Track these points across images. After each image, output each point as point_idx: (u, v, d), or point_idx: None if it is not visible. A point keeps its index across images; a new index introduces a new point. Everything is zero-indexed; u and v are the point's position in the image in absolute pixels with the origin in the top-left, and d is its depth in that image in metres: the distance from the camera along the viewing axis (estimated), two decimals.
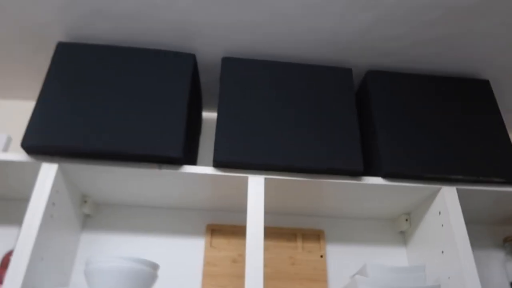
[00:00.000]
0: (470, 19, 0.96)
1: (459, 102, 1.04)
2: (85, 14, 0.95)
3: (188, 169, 0.89)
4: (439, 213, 0.96)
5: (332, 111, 0.97)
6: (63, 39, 1.01)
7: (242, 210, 1.08)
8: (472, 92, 1.07)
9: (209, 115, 1.27)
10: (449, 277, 0.90)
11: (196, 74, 1.05)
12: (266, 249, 1.07)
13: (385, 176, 0.94)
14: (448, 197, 0.94)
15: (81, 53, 0.95)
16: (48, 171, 0.84)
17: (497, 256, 1.15)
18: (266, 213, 1.12)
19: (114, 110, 0.88)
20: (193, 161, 1.07)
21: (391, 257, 1.12)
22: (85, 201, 1.00)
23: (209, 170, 0.89)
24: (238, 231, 1.08)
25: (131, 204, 1.08)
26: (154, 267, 0.84)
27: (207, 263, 1.02)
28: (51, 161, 0.85)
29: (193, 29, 0.99)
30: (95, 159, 0.87)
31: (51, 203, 0.83)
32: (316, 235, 1.11)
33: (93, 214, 1.05)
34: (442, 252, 0.93)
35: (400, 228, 1.12)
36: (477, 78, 1.12)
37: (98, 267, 0.78)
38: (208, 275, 1.01)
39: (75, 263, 0.99)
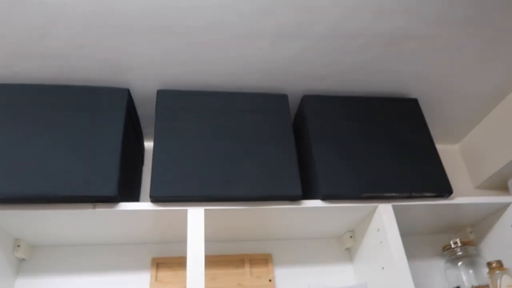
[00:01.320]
0: (393, 43, 1.01)
1: (391, 121, 1.09)
2: (8, 54, 0.92)
3: (125, 206, 0.87)
4: (378, 230, 0.99)
5: (269, 137, 0.99)
6: None
7: (186, 241, 1.06)
8: (402, 111, 1.12)
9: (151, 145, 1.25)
10: None
11: (132, 108, 1.04)
12: (214, 278, 1.06)
13: (323, 198, 0.96)
14: (384, 214, 0.98)
15: (6, 93, 0.92)
16: None
17: (437, 265, 1.20)
18: (211, 241, 1.11)
19: (43, 151, 0.85)
20: (134, 195, 1.05)
21: (338, 275, 1.14)
22: (18, 245, 0.96)
23: (147, 206, 0.88)
24: (185, 262, 1.07)
25: (69, 243, 1.04)
26: None
27: None
28: None
29: (124, 64, 0.98)
30: (23, 204, 0.84)
31: None
32: (263, 260, 1.11)
33: (28, 257, 1.00)
34: (383, 268, 0.96)
35: (345, 245, 1.15)
36: (406, 97, 1.18)
37: None
38: None
39: None
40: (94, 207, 0.85)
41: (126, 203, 0.87)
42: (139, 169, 1.15)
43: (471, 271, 1.07)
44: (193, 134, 0.95)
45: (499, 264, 1.02)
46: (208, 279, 1.05)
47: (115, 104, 0.95)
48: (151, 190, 0.86)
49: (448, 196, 1.02)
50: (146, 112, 1.12)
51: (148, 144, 1.25)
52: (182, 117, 0.97)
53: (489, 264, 1.04)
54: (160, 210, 0.88)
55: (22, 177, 0.82)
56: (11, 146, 0.85)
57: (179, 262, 1.06)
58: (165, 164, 0.89)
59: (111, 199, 0.85)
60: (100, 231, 0.97)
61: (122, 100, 0.96)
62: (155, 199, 0.87)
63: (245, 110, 1.01)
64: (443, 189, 1.01)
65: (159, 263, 1.05)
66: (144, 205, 0.88)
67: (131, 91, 1.03)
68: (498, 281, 0.99)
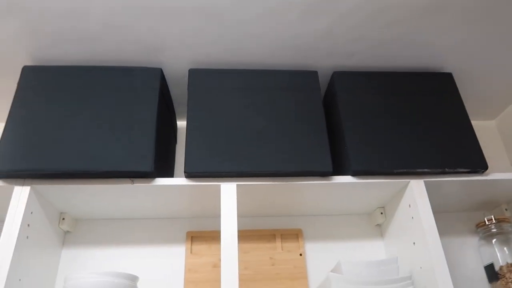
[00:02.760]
0: (426, 16, 0.98)
1: (424, 96, 1.07)
2: (47, 37, 0.96)
3: (161, 181, 0.91)
4: (409, 205, 0.99)
5: (300, 114, 0.99)
6: (29, 62, 1.02)
7: (220, 216, 1.10)
8: (436, 86, 1.10)
9: (184, 124, 1.28)
10: (420, 267, 0.93)
11: (166, 87, 1.07)
12: (246, 252, 1.10)
13: (354, 174, 0.96)
14: (416, 190, 0.97)
15: (47, 75, 0.96)
16: (20, 195, 0.85)
17: (471, 242, 1.19)
18: (244, 217, 1.14)
19: (83, 130, 0.90)
20: (168, 172, 1.09)
21: (369, 251, 1.15)
22: (63, 218, 1.02)
23: (182, 181, 0.91)
24: (218, 236, 1.10)
25: (109, 217, 1.09)
26: (133, 279, 0.86)
27: (188, 270, 1.05)
28: (23, 184, 0.87)
29: (157, 45, 1.00)
30: (67, 179, 0.89)
31: (26, 224, 0.85)
32: (294, 235, 1.13)
33: (72, 230, 1.06)
34: (414, 243, 0.96)
35: (376, 222, 1.16)
36: (440, 71, 1.15)
37: (76, 284, 0.80)
38: (189, 282, 1.03)
39: (56, 280, 1.00)
40: (132, 182, 0.89)
41: (162, 178, 0.91)
42: (172, 147, 1.19)
43: (505, 248, 1.05)
44: (225, 112, 0.97)
45: None
46: (240, 252, 1.09)
47: (149, 84, 0.98)
48: (185, 166, 0.89)
49: (483, 172, 1.00)
50: (178, 91, 1.15)
51: (181, 123, 1.28)
52: (214, 95, 0.99)
53: None
54: (194, 185, 0.91)
55: (65, 154, 0.87)
56: (55, 125, 0.90)
57: (212, 236, 1.10)
58: (198, 141, 0.92)
59: (148, 175, 0.89)
60: (138, 205, 1.01)
61: (156, 80, 0.99)
62: (189, 174, 0.90)
63: (276, 88, 1.02)
64: (477, 164, 0.99)
65: (193, 237, 1.10)
66: (179, 180, 0.91)
67: (164, 70, 1.06)
68: None
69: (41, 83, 0.95)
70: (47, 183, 0.88)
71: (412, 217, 0.97)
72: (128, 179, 0.90)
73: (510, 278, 1.00)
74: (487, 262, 1.08)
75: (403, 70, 1.15)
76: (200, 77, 1.01)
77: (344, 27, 1.00)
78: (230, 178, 0.92)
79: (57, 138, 0.88)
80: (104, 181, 0.89)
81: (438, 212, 1.19)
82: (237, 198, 0.99)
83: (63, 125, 0.90)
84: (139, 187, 0.90)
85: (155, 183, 0.90)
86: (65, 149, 0.87)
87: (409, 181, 0.98)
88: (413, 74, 1.11)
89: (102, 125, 0.91)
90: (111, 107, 0.94)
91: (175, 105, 1.21)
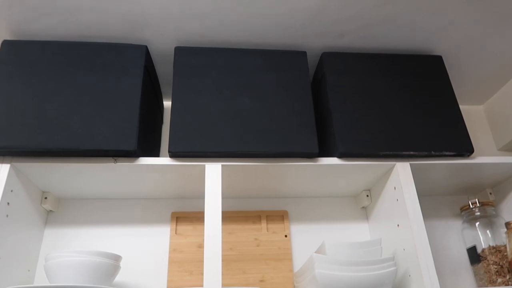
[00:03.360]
0: None
1: (412, 79, 1.06)
2: (27, 10, 0.92)
3: (144, 161, 0.89)
4: (394, 188, 0.99)
5: (287, 94, 0.98)
6: (8, 37, 0.99)
7: (204, 197, 1.09)
8: (426, 69, 1.09)
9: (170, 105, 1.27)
10: (404, 249, 0.94)
11: (151, 65, 1.05)
12: (231, 233, 1.09)
13: (340, 156, 0.96)
14: (402, 172, 0.97)
15: (28, 50, 0.94)
16: None
17: (455, 225, 1.20)
18: (230, 198, 1.14)
19: (65, 107, 0.88)
20: (154, 152, 1.08)
21: (354, 233, 1.15)
22: (46, 197, 1.00)
23: (166, 160, 0.90)
24: (203, 217, 1.10)
25: (94, 197, 1.08)
26: (116, 258, 0.86)
27: (172, 250, 1.04)
28: (2, 161, 0.85)
29: (143, 20, 0.98)
30: (48, 157, 0.87)
31: (6, 203, 0.83)
32: (280, 216, 1.13)
33: (55, 209, 1.05)
34: (398, 225, 0.97)
35: (361, 204, 1.16)
36: (430, 54, 1.14)
37: (57, 263, 0.79)
38: (174, 262, 1.03)
39: (39, 259, 0.99)
40: (115, 161, 0.88)
41: (145, 158, 0.90)
42: (158, 127, 1.17)
43: (488, 231, 1.07)
44: (211, 91, 0.95)
45: None
46: (225, 233, 1.09)
47: (134, 61, 0.96)
48: (169, 145, 0.88)
49: (469, 156, 1.00)
50: (165, 70, 1.13)
51: (167, 104, 1.26)
52: (200, 74, 0.97)
53: (507, 224, 1.03)
54: (178, 165, 0.90)
55: (46, 131, 0.85)
56: (35, 102, 0.88)
57: (198, 217, 1.10)
58: (183, 120, 0.91)
59: (131, 154, 0.87)
60: (122, 185, 1.00)
61: (141, 57, 0.96)
62: (173, 154, 0.89)
63: (263, 67, 1.00)
64: (463, 148, 0.99)
65: (178, 217, 1.09)
66: (163, 160, 0.90)
67: (149, 48, 1.03)
68: None
69: (21, 58, 0.92)
70: (27, 160, 0.86)
71: (397, 200, 0.97)
72: (111, 157, 0.88)
73: (491, 260, 1.02)
74: (470, 244, 1.09)
75: (393, 52, 1.14)
76: (186, 55, 0.99)
77: (334, 7, 0.98)
78: (215, 159, 0.91)
79: (37, 115, 0.86)
80: (87, 160, 0.88)
81: (423, 195, 1.21)
82: (222, 179, 0.99)
83: (44, 101, 0.88)
84: (122, 166, 0.89)
85: (139, 162, 0.89)
86: (45, 126, 0.85)
87: (395, 164, 0.98)
88: (403, 57, 1.10)
89: (85, 102, 0.89)
90: (94, 84, 0.91)
91: (161, 85, 1.19)
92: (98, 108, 0.89)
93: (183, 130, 0.90)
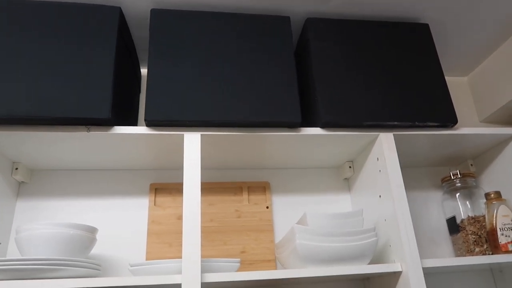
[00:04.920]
0: None
1: (398, 47, 1.04)
2: None
3: (119, 130, 0.85)
4: (377, 159, 0.98)
5: (269, 61, 0.94)
6: None
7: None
8: (412, 37, 1.06)
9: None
10: (385, 220, 0.93)
11: (126, 29, 0.99)
12: (212, 204, 1.07)
13: (323, 126, 0.94)
14: (385, 143, 0.96)
15: None
16: None
17: (436, 196, 1.20)
18: (211, 169, 1.11)
19: (34, 72, 0.82)
20: (131, 122, 1.04)
21: (336, 204, 1.15)
22: (16, 168, 0.96)
23: (142, 129, 0.86)
24: (182, 188, 1.07)
25: (69, 168, 1.04)
26: (91, 230, 0.83)
27: (151, 221, 1.02)
28: None
29: None
30: (15, 125, 0.82)
31: None
32: (262, 187, 1.12)
33: (28, 181, 1.01)
34: (380, 196, 0.96)
35: (344, 175, 1.15)
36: (416, 22, 1.11)
37: (28, 235, 0.76)
38: (152, 234, 1.00)
39: (11, 232, 0.96)
40: (88, 130, 0.84)
41: (120, 127, 0.86)
42: (136, 96, 1.13)
43: (468, 202, 1.07)
44: (190, 57, 0.90)
45: (498, 195, 1.02)
46: (206, 204, 1.07)
47: (106, 23, 0.90)
48: (145, 113, 0.84)
49: (452, 126, 1.00)
50: (140, 35, 1.07)
51: (145, 71, 1.21)
52: (178, 38, 0.92)
53: (487, 195, 1.03)
54: (156, 134, 0.87)
55: (13, 98, 0.79)
56: (1, 68, 0.81)
57: (177, 188, 1.07)
58: (160, 87, 0.86)
59: (105, 122, 0.83)
60: (97, 155, 0.96)
61: (114, 19, 0.90)
62: (150, 122, 0.85)
63: (245, 33, 0.96)
64: (447, 118, 0.98)
65: (157, 189, 1.06)
66: (139, 129, 0.86)
67: (123, 10, 0.97)
68: (495, 211, 1.00)
69: None
70: None
71: (380, 170, 0.96)
72: (84, 126, 0.84)
73: (470, 230, 1.03)
74: (450, 215, 1.10)
75: (379, 19, 1.10)
76: (163, 18, 0.94)
77: None
78: (194, 128, 0.88)
79: (3, 80, 0.80)
80: (57, 128, 0.83)
81: (406, 166, 1.20)
82: (202, 149, 0.96)
83: (10, 65, 0.82)
84: (96, 135, 0.85)
85: (113, 131, 0.85)
86: (12, 92, 0.80)
87: (379, 134, 0.97)
88: (389, 24, 1.06)
89: (55, 67, 0.83)
90: (65, 47, 0.86)
91: (138, 51, 1.13)
92: (69, 73, 0.83)
93: (160, 97, 0.85)
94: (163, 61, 0.89)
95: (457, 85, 1.40)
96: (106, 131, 0.84)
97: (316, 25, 1.02)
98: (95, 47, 0.87)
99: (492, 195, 1.02)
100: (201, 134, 0.88)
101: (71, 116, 0.81)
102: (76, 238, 0.78)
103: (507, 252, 0.96)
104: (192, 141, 0.86)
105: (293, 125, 0.92)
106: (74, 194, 1.03)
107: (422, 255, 1.11)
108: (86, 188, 1.04)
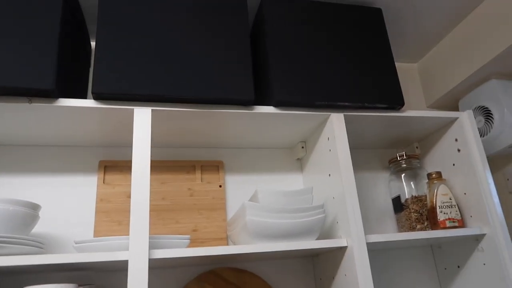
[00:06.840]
0: None
1: (351, 30, 1.06)
2: None
3: (64, 102, 0.81)
4: (328, 139, 1.00)
5: (224, 38, 0.93)
6: None
7: None
8: (365, 20, 1.08)
9: None
10: (333, 197, 0.96)
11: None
12: (164, 182, 1.06)
13: (276, 105, 0.94)
14: (336, 123, 0.98)
15: None
16: None
17: (383, 177, 1.26)
18: (163, 147, 1.10)
19: None
20: (79, 96, 0.99)
21: (288, 183, 1.17)
22: None
23: (89, 103, 0.83)
24: None
25: (12, 143, 0.99)
26: (33, 207, 0.79)
27: (100, 200, 0.99)
28: None
29: None
30: None
31: None
32: (215, 166, 1.11)
33: None
34: (329, 175, 0.99)
35: (297, 156, 1.17)
36: (370, 6, 1.13)
37: None
38: (101, 212, 0.98)
39: None
40: (30, 102, 0.79)
41: (65, 99, 0.82)
42: (86, 71, 1.08)
43: (412, 182, 1.13)
44: (141, 28, 0.87)
45: (438, 175, 1.08)
46: (158, 183, 1.05)
47: None
48: (92, 86, 0.81)
49: (399, 109, 1.03)
50: (91, 7, 1.02)
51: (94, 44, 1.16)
52: (128, 7, 0.88)
53: (429, 175, 1.09)
54: (103, 108, 0.84)
55: None
56: None
57: (128, 166, 1.05)
58: (109, 58, 0.83)
59: (48, 93, 0.79)
60: (42, 130, 0.92)
61: None
62: (97, 95, 0.82)
63: (200, 6, 0.94)
64: (395, 101, 1.01)
65: (107, 166, 1.03)
66: (86, 101, 0.83)
67: None
68: (435, 190, 1.05)
69: None
70: None
71: (330, 150, 0.99)
72: (25, 97, 0.79)
73: (413, 209, 1.08)
74: (395, 194, 1.15)
75: (334, 2, 1.11)
76: None
77: None
78: (144, 103, 0.86)
79: None
80: None
81: (356, 148, 1.24)
82: (154, 126, 0.94)
83: None
84: (38, 107, 0.80)
85: (57, 103, 0.81)
86: None
87: (330, 114, 0.99)
88: (343, 6, 1.08)
89: None
90: (5, 14, 0.80)
91: (88, 23, 1.08)
92: (9, 41, 0.78)
93: (108, 69, 0.82)
94: (112, 32, 0.86)
95: (407, 71, 1.46)
96: (50, 103, 0.80)
97: (273, 4, 1.02)
98: (39, 14, 0.82)
99: (434, 175, 1.08)
100: (152, 109, 0.86)
101: (11, 86, 0.76)
102: (16, 215, 0.75)
103: (445, 228, 1.02)
104: (142, 117, 0.84)
105: (246, 103, 0.91)
106: (18, 170, 0.98)
107: (368, 231, 1.16)
108: (32, 165, 0.99)
